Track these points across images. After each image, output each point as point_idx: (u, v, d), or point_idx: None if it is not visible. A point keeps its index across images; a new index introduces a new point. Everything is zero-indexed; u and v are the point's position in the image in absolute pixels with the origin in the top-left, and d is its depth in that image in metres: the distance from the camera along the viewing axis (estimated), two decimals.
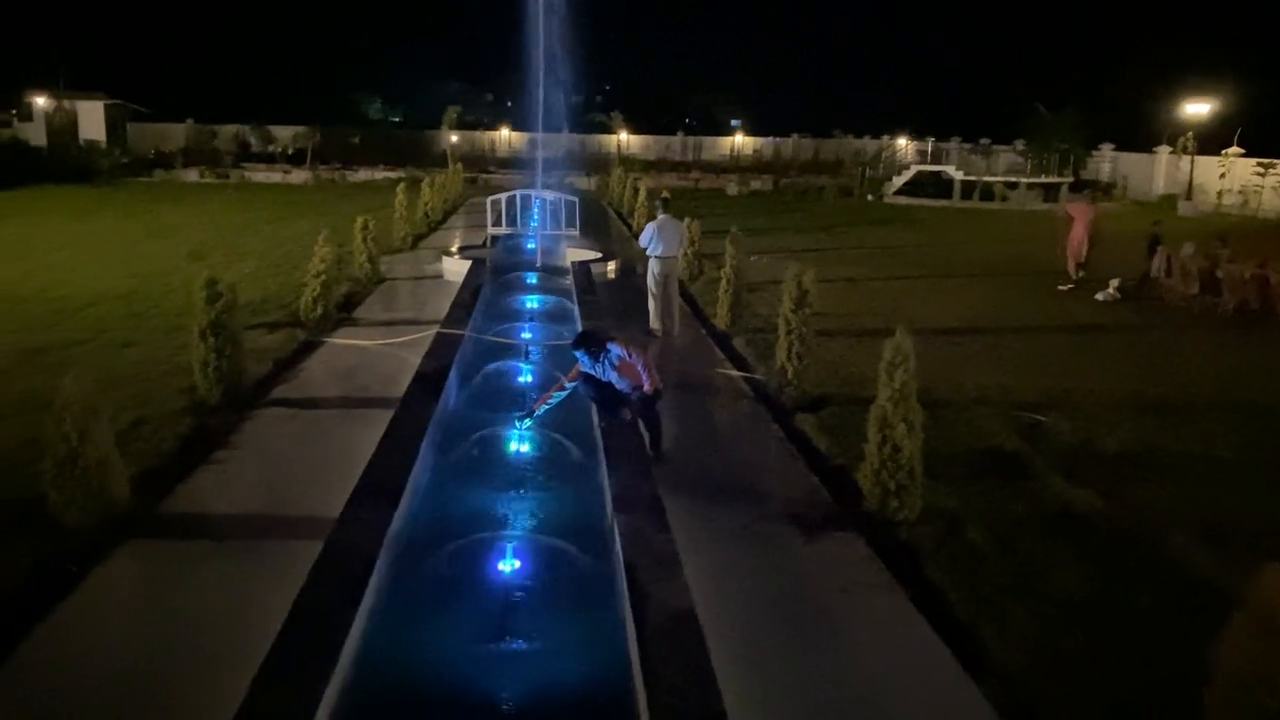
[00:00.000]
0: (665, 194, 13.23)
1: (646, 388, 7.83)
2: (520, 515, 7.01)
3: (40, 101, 43.23)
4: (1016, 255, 22.19)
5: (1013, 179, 39.01)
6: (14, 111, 44.17)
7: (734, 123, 57.57)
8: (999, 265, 20.66)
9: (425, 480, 7.44)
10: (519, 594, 5.85)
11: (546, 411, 8.15)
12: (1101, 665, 5.19)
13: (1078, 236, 17.57)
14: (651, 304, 12.50)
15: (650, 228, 12.28)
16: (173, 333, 11.72)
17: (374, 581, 5.51)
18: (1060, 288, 17.49)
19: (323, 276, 12.52)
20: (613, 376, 7.90)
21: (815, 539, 6.55)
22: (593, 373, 7.95)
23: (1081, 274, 17.45)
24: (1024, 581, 6.03)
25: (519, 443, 8.09)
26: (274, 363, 10.57)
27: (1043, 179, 38.91)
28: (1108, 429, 9.10)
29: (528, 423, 8.07)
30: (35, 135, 41.50)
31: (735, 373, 10.82)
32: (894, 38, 73.67)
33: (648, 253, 12.40)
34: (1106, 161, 41.90)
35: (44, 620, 5.27)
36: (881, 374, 6.81)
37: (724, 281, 12.80)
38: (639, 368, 7.78)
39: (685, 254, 13.37)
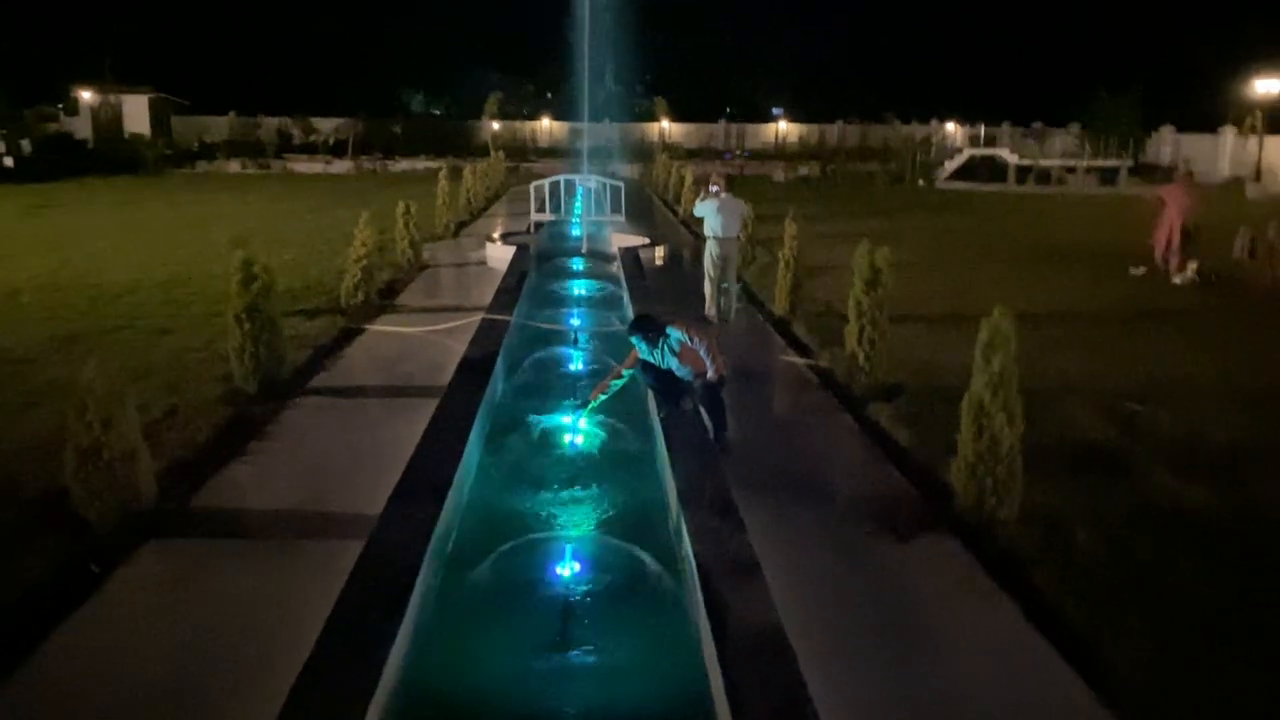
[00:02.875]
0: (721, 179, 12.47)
1: (710, 374, 7.22)
2: (574, 514, 6.45)
3: (86, 96, 43.55)
4: (1081, 239, 21.29)
5: (1070, 163, 37.78)
6: (60, 106, 44.56)
7: (776, 110, 56.65)
8: (1064, 249, 19.73)
9: (472, 475, 6.90)
10: (577, 600, 5.28)
11: (603, 401, 7.58)
12: (1245, 688, 4.51)
13: (1169, 221, 16.46)
14: (708, 287, 11.87)
15: (710, 205, 11.61)
16: (211, 319, 11.29)
17: (419, 586, 4.97)
18: (1132, 271, 16.56)
19: (363, 261, 12.06)
20: (673, 363, 7.30)
21: (905, 541, 5.90)
22: (651, 360, 7.35)
23: (1173, 262, 16.27)
24: (1144, 590, 5.35)
25: (571, 434, 7.52)
26: (314, 350, 10.12)
27: (1101, 162, 37.66)
28: (1213, 420, 8.31)
29: (583, 413, 7.50)
30: (81, 129, 41.85)
31: (799, 360, 10.16)
32: (939, 20, 72.16)
33: (705, 233, 11.78)
34: (1167, 144, 40.51)
35: (60, 625, 4.79)
36: (977, 357, 6.13)
37: (783, 264, 12.12)
38: (702, 352, 7.16)
39: (739, 237, 12.65)
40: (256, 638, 4.71)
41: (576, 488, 6.78)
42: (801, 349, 10.72)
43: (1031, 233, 23.02)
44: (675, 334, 7.22)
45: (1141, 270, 16.52)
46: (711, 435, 7.32)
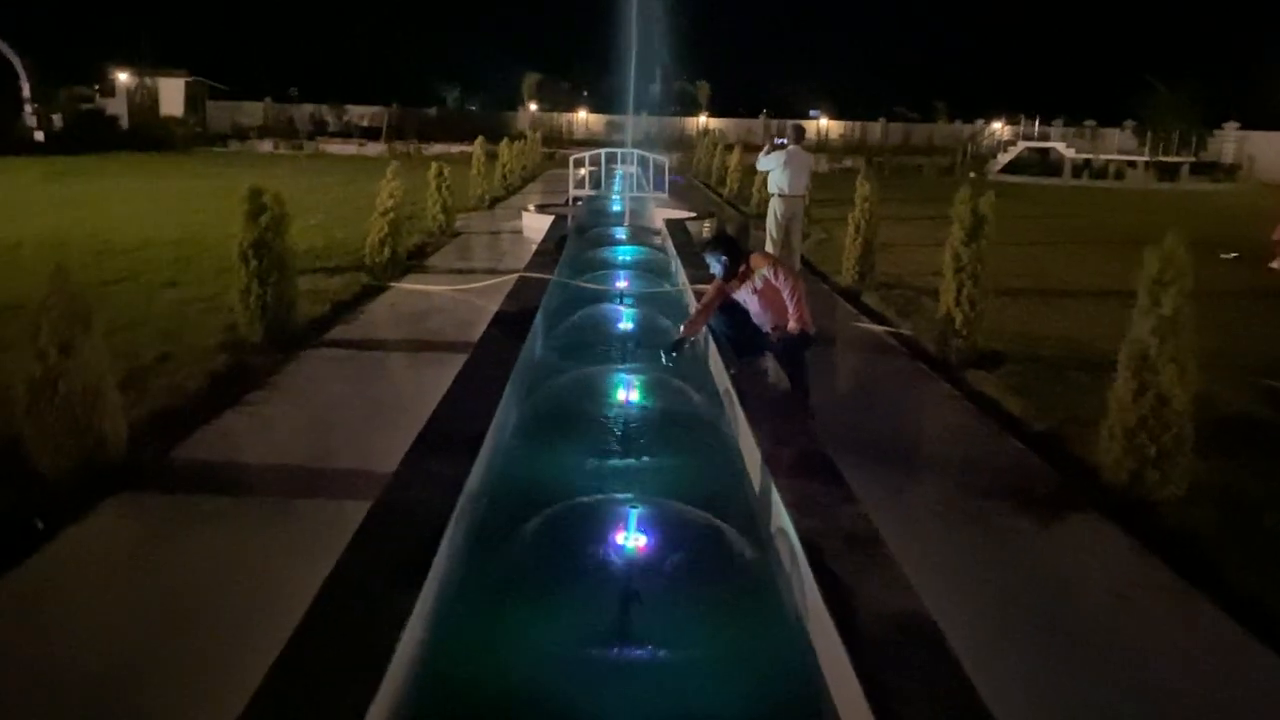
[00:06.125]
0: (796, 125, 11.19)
1: (792, 325, 6.04)
2: (627, 479, 5.30)
3: (123, 77, 43.06)
4: (1155, 227, 19.83)
5: (1132, 158, 36.18)
6: (96, 87, 44.12)
7: (813, 112, 55.22)
8: (1139, 235, 18.30)
9: (508, 430, 5.78)
10: (641, 578, 4.12)
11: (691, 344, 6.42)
12: None
13: None
14: (770, 250, 10.67)
15: (776, 158, 10.41)
16: (221, 275, 10.29)
17: (442, 555, 3.85)
18: (1223, 256, 15.25)
19: (390, 215, 10.94)
20: (752, 304, 6.13)
21: (1049, 522, 4.71)
22: (729, 290, 6.18)
23: None
24: None
25: (624, 389, 6.36)
26: (332, 305, 9.06)
27: (1160, 158, 36.02)
28: None
29: (674, 356, 6.32)
30: (117, 110, 41.35)
31: (878, 327, 8.97)
32: (983, 17, 70.26)
33: (770, 189, 10.59)
34: (1231, 141, 38.72)
35: None
36: (1141, 297, 4.95)
37: (852, 229, 10.91)
38: (786, 294, 5.98)
39: (806, 195, 11.39)
40: (232, 610, 3.64)
41: (630, 451, 5.63)
42: (875, 318, 9.54)
43: (1099, 220, 21.71)
44: (759, 269, 6.05)
45: (1233, 255, 15.22)
46: (786, 388, 6.15)
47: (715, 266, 6.20)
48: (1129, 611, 3.87)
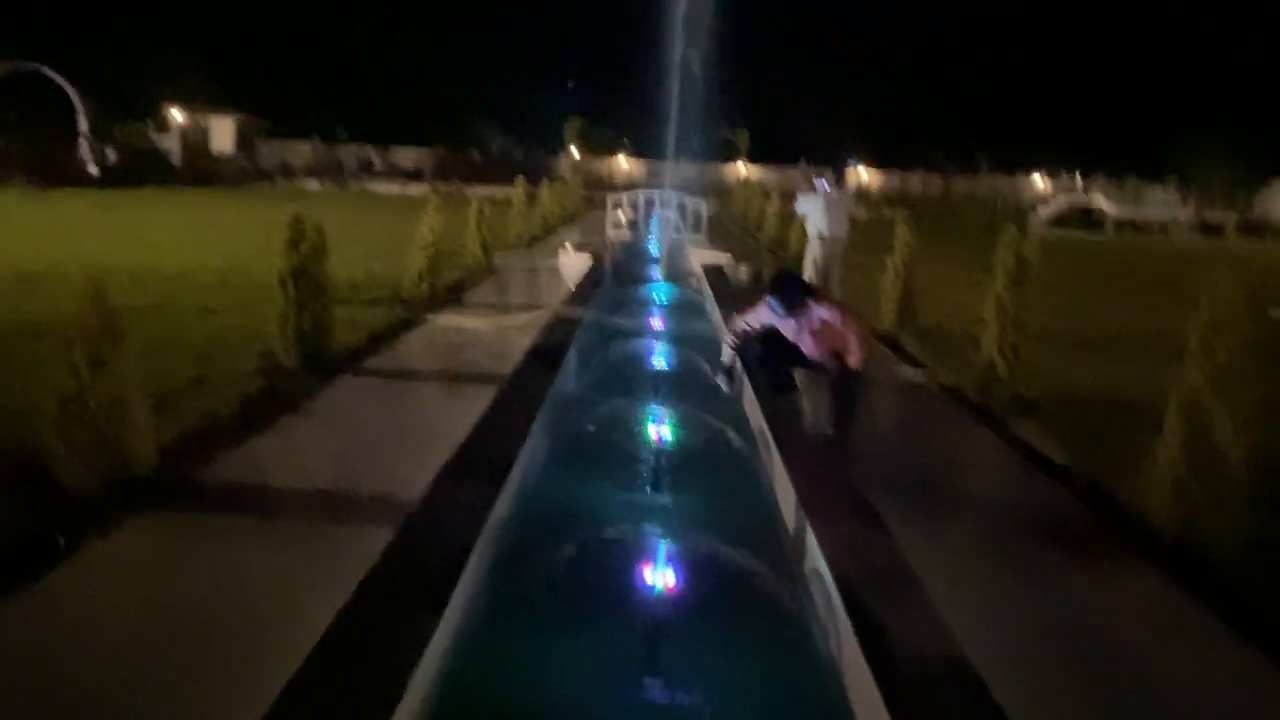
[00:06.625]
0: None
1: (853, 361, 5.95)
2: (656, 515, 5.19)
3: (177, 115, 44.22)
4: (1201, 281, 19.58)
5: (1178, 216, 35.82)
6: (151, 123, 45.31)
7: (849, 160, 55.36)
8: (1186, 289, 18.05)
9: (539, 461, 5.70)
10: (668, 613, 4.00)
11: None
12: None
13: None
14: None
15: (815, 201, 10.35)
16: (262, 304, 10.34)
17: (465, 583, 3.76)
18: (1271, 313, 14.89)
19: (430, 249, 10.99)
20: (805, 342, 6.03)
21: (1093, 569, 4.52)
22: (781, 328, 6.09)
23: None
24: None
25: (655, 423, 6.28)
26: (369, 334, 9.07)
27: (1205, 215, 35.64)
28: None
29: (735, 382, 6.32)
30: (170, 146, 42.43)
31: (917, 372, 8.81)
32: (1025, 66, 69.89)
33: (809, 231, 10.51)
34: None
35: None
36: (1193, 344, 4.79)
37: (892, 273, 10.79)
38: (852, 336, 5.90)
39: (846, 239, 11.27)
40: (250, 631, 3.54)
41: (660, 484, 5.53)
42: (914, 362, 9.38)
43: (1142, 274, 21.40)
44: (819, 311, 5.96)
45: None
46: (827, 424, 6.04)
47: (774, 309, 6.10)
48: (1173, 660, 3.69)
